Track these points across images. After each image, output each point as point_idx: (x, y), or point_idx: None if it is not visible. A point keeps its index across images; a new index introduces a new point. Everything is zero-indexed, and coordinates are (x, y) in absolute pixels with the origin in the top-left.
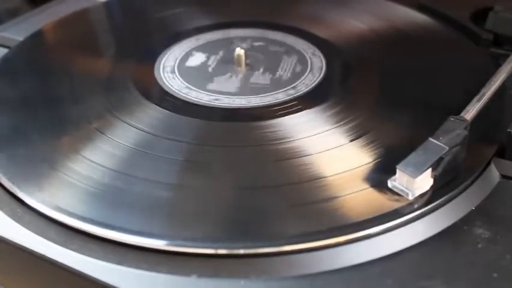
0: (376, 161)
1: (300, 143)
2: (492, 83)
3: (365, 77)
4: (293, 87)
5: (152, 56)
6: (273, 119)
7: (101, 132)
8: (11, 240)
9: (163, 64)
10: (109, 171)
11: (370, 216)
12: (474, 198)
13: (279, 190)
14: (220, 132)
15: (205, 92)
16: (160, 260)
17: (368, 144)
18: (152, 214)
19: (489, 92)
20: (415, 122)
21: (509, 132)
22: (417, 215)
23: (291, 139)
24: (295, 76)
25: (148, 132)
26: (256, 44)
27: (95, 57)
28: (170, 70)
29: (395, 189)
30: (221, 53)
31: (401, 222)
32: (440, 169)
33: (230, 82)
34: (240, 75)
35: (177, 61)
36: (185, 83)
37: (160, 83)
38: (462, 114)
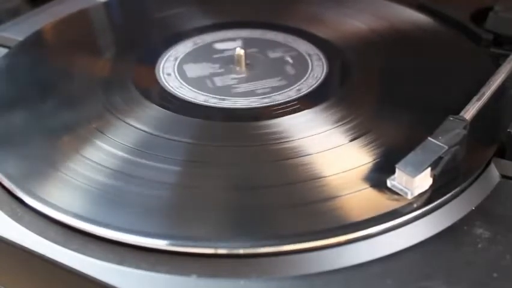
0: (376, 160)
1: (300, 143)
2: (492, 82)
3: (365, 77)
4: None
5: (152, 55)
6: (273, 119)
7: (101, 132)
8: (11, 240)
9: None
10: (109, 171)
11: (370, 216)
12: (474, 198)
13: (279, 190)
14: (220, 132)
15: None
16: (160, 260)
17: (367, 144)
18: (152, 214)
19: (489, 92)
20: (415, 122)
21: (509, 132)
22: (417, 215)
23: (291, 139)
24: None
25: (148, 132)
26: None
27: (95, 57)
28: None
29: (394, 189)
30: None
31: (401, 222)
32: (439, 168)
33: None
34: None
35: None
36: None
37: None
38: (461, 113)
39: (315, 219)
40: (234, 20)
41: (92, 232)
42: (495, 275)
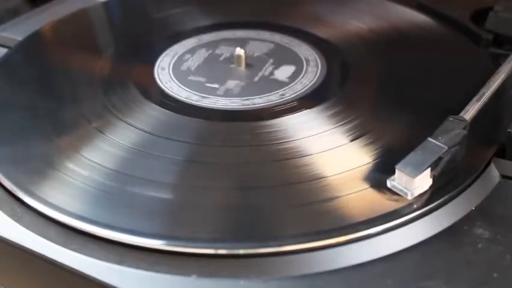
0: (376, 161)
1: (300, 143)
2: (492, 83)
3: (365, 77)
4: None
5: (152, 55)
6: (273, 119)
7: (101, 132)
8: (11, 240)
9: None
10: (109, 171)
11: (370, 217)
12: (474, 198)
13: (279, 190)
14: (220, 132)
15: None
16: (160, 260)
17: (368, 144)
18: (152, 214)
19: (488, 92)
20: (415, 122)
21: (509, 132)
22: (417, 215)
23: (291, 139)
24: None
25: (148, 132)
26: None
27: (95, 57)
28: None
29: (394, 189)
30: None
31: (401, 222)
32: (439, 169)
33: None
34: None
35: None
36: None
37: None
38: (461, 114)
39: (315, 220)
40: (234, 20)
41: (92, 232)
42: (495, 275)
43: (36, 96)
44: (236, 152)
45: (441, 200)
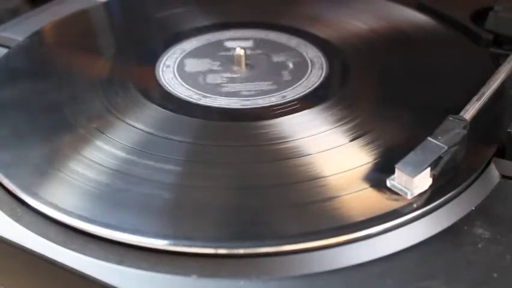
0: (375, 160)
1: (300, 143)
2: (492, 82)
3: (365, 77)
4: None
5: (152, 56)
6: (273, 119)
7: (101, 132)
8: (11, 240)
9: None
10: (109, 171)
11: (370, 216)
12: (474, 198)
13: (279, 190)
14: (220, 132)
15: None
16: (160, 260)
17: (367, 144)
18: (152, 214)
19: (488, 92)
20: (415, 122)
21: (509, 132)
22: (417, 215)
23: (291, 139)
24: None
25: (148, 132)
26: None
27: (95, 57)
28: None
29: (394, 189)
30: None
31: (401, 222)
32: (439, 168)
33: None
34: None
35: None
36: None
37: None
38: (461, 113)
39: (315, 219)
40: (234, 20)
41: (92, 232)
42: (495, 275)
43: (36, 96)
44: (236, 152)
45: (441, 200)
